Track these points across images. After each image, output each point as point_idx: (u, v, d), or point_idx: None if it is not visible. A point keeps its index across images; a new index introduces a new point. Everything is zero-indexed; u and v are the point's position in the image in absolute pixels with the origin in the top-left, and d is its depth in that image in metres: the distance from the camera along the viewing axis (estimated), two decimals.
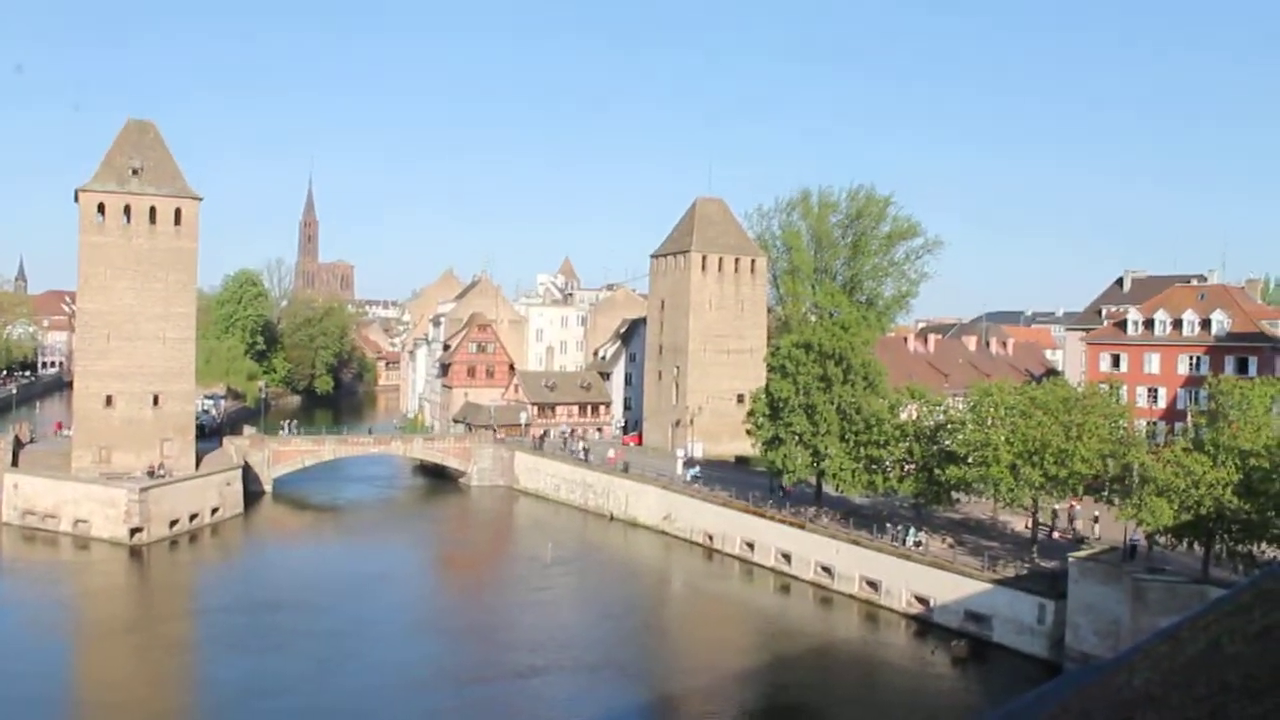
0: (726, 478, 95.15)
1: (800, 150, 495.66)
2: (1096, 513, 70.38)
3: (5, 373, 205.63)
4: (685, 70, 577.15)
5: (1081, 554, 59.38)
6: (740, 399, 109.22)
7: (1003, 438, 64.32)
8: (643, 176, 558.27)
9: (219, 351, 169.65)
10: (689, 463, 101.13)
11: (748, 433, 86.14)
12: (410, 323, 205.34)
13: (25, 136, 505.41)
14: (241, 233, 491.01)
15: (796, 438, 78.65)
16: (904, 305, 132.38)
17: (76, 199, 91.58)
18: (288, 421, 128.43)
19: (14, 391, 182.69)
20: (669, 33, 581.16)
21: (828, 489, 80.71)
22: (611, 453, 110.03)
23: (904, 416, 76.16)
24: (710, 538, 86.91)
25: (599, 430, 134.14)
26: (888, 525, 73.46)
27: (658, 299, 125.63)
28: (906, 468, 74.72)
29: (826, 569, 74.01)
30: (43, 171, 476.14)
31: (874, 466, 75.09)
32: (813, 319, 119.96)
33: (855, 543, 72.44)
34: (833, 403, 77.05)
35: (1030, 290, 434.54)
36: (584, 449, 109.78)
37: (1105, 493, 63.23)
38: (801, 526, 77.48)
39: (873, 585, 70.12)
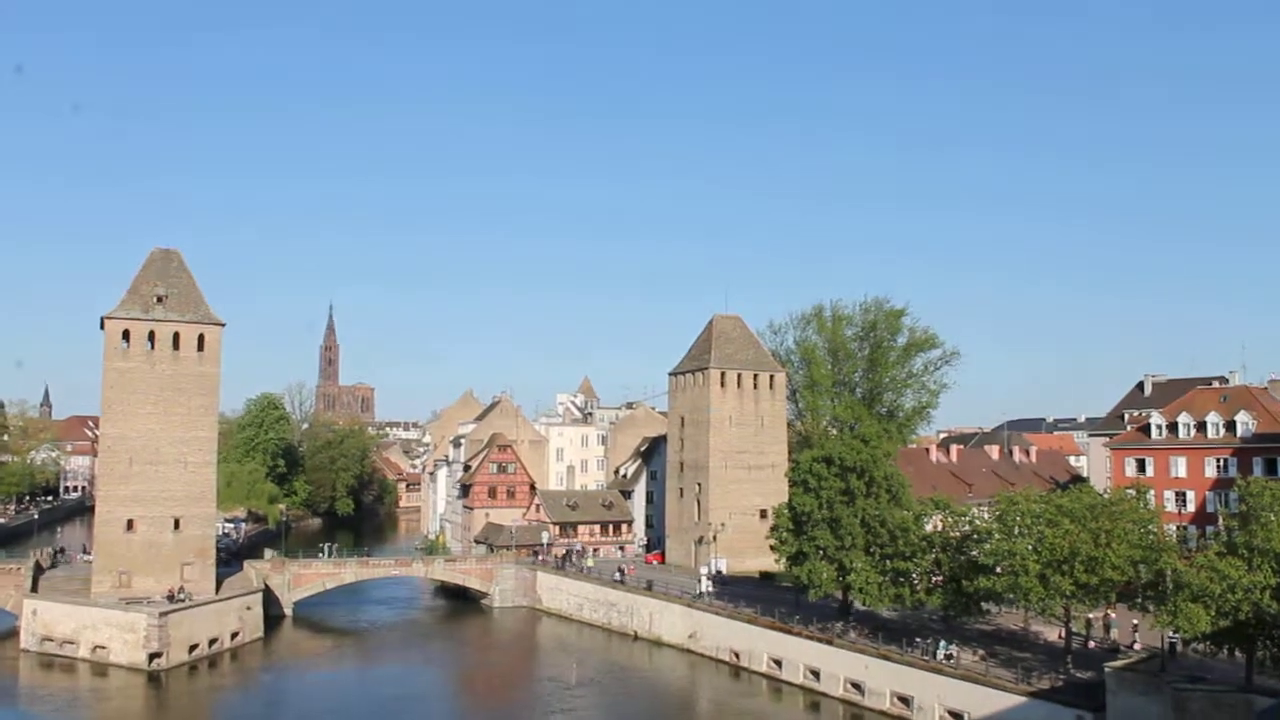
0: (752, 594, 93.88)
1: (815, 265, 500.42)
2: (1135, 620, 69.05)
3: (28, 498, 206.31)
4: (699, 188, 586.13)
5: (1118, 664, 58.06)
6: (763, 514, 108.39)
7: (1030, 547, 63.58)
8: (659, 294, 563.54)
9: (240, 475, 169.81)
10: (711, 578, 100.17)
11: (771, 548, 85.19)
12: (430, 444, 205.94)
13: (52, 266, 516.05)
14: (263, 357, 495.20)
15: (821, 552, 77.81)
16: (924, 416, 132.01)
17: (102, 326, 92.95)
18: (327, 545, 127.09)
19: (36, 516, 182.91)
20: (683, 153, 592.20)
21: (855, 603, 79.57)
22: (628, 569, 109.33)
23: (929, 528, 75.30)
24: (737, 655, 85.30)
25: (621, 549, 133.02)
26: (917, 639, 72.05)
27: (677, 416, 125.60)
28: (934, 579, 73.74)
29: (856, 685, 72.36)
30: (69, 300, 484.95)
31: (901, 579, 74.12)
32: (833, 432, 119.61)
33: (885, 657, 70.91)
34: (856, 516, 76.37)
35: (1051, 397, 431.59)
36: (619, 569, 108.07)
37: (1139, 600, 62.15)
38: (829, 641, 76.02)
39: (904, 701, 68.42)
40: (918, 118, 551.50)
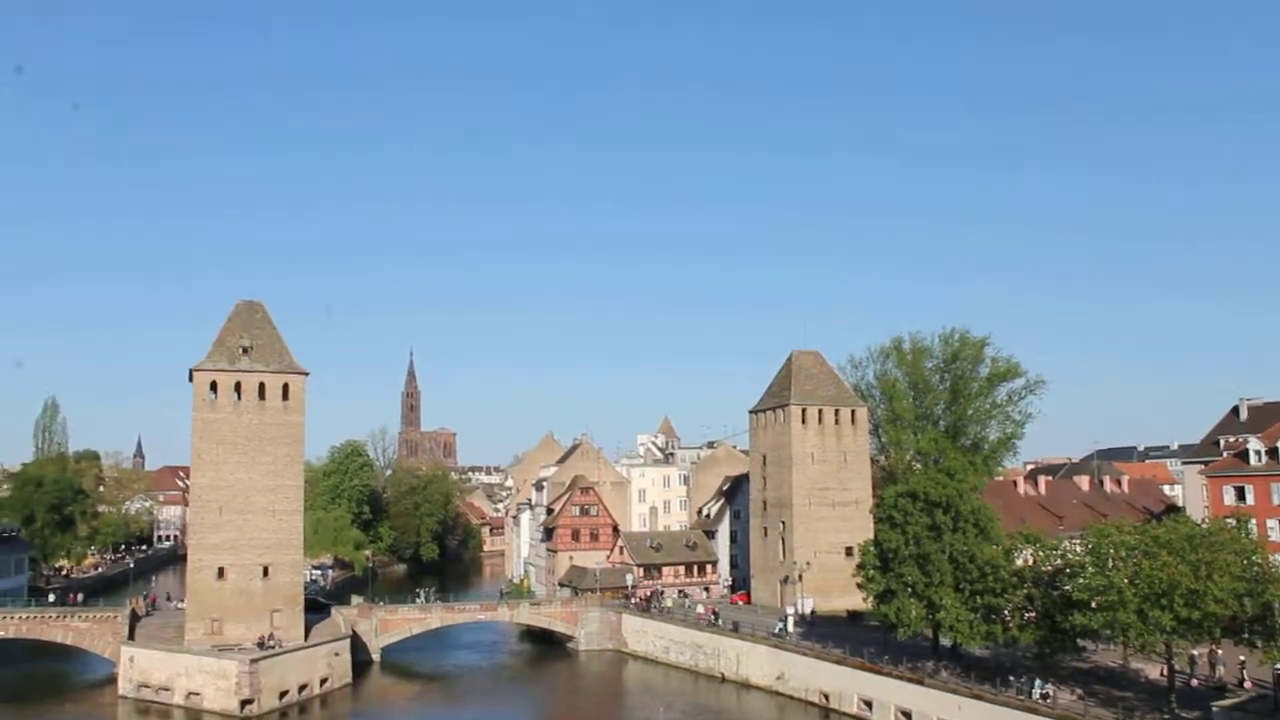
0: (840, 634, 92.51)
1: (893, 297, 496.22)
2: (1242, 656, 66.57)
3: (124, 547, 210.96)
4: (775, 225, 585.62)
5: (1226, 703, 56.04)
6: (849, 552, 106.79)
7: (1126, 580, 61.71)
8: (737, 332, 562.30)
9: (326, 522, 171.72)
10: (799, 620, 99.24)
11: (859, 586, 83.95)
12: (513, 488, 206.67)
13: (142, 319, 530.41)
14: (346, 404, 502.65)
15: (909, 589, 76.42)
16: (1010, 447, 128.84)
17: (191, 378, 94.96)
18: (424, 591, 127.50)
19: (131, 565, 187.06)
20: (757, 192, 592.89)
21: (945, 641, 77.94)
22: (700, 609, 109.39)
23: (1019, 562, 73.62)
24: (826, 696, 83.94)
25: (706, 589, 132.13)
26: (1011, 677, 70.20)
27: (759, 454, 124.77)
28: (1026, 616, 71.95)
29: None
30: (160, 352, 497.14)
31: (992, 616, 72.43)
32: (917, 467, 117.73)
33: (978, 697, 69.19)
34: (944, 551, 74.95)
35: (1141, 424, 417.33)
36: (712, 612, 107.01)
37: (1246, 635, 59.94)
38: (920, 681, 74.46)
39: None
40: (989, 140, 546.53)
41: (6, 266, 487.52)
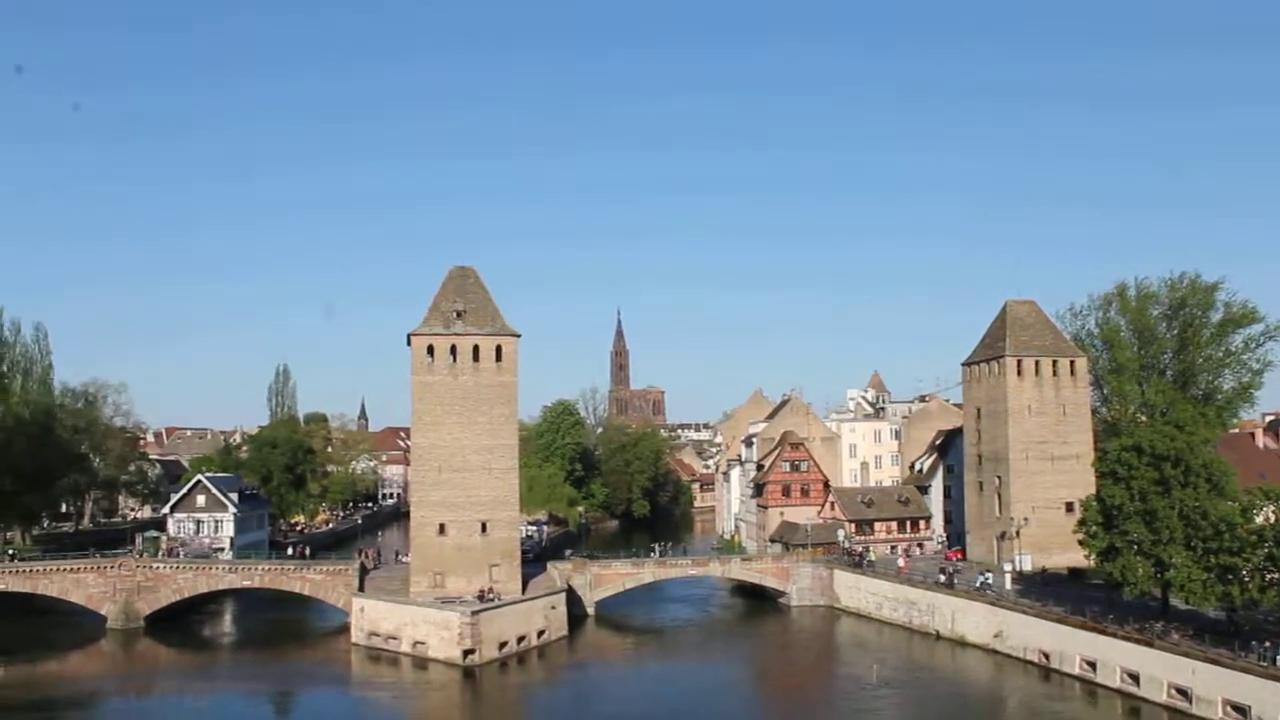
0: (1060, 592, 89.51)
1: (1116, 242, 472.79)
2: None
3: (351, 504, 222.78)
4: (984, 172, 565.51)
5: None
6: (1069, 507, 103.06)
7: None
8: (946, 283, 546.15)
9: (540, 479, 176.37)
10: (1016, 576, 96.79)
11: (1080, 543, 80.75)
12: (722, 444, 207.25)
13: (363, 288, 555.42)
14: (557, 365, 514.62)
15: (1134, 547, 73.05)
16: (1247, 398, 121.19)
17: (409, 342, 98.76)
18: (659, 544, 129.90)
19: (359, 521, 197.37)
20: (965, 140, 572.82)
21: (1175, 601, 74.26)
22: (901, 562, 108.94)
23: (1259, 519, 69.22)
24: (1046, 656, 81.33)
25: (919, 545, 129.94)
26: (1253, 642, 66.18)
27: (973, 407, 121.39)
28: (1268, 577, 67.61)
29: (1182, 691, 67.32)
30: (379, 319, 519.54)
31: (1228, 576, 68.35)
32: (1143, 419, 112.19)
33: (1214, 662, 65.52)
34: (1174, 508, 71.18)
35: None
36: (944, 572, 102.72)
37: None
38: (1149, 643, 71.17)
39: (1240, 711, 62.88)
40: (1225, 78, 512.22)
41: (248, 254, 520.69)
